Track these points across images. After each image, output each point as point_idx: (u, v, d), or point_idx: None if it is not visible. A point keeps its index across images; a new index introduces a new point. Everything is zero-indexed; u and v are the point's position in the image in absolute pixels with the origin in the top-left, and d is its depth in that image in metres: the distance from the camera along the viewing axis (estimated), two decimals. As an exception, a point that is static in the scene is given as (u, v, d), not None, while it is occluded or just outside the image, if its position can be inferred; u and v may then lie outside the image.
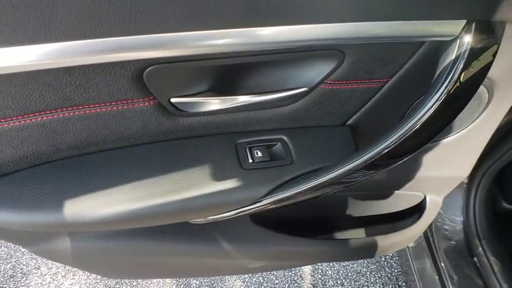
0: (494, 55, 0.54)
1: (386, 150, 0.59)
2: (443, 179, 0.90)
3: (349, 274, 1.62)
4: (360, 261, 1.66)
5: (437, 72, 0.56)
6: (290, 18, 0.48)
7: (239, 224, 0.80)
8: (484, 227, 1.16)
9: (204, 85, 0.61)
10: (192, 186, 0.62)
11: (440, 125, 0.59)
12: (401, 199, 0.98)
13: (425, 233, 1.27)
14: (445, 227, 1.24)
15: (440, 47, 0.57)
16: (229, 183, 0.63)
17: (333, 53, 0.59)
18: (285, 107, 0.67)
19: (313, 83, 0.63)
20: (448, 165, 0.86)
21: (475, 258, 1.14)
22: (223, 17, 0.46)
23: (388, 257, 1.67)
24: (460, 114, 0.61)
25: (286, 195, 0.65)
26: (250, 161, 0.66)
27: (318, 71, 0.62)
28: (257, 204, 0.64)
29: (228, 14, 0.45)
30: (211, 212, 0.66)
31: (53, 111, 0.55)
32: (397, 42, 0.56)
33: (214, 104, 0.62)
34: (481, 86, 0.65)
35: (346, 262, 1.66)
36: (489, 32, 0.53)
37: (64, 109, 0.55)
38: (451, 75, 0.54)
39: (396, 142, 0.58)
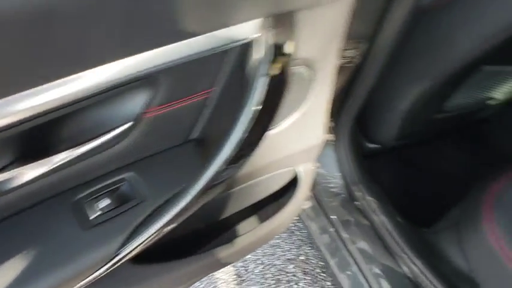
0: (293, 42, 0.58)
1: (228, 156, 0.59)
2: (303, 151, 0.95)
3: (266, 250, 1.68)
4: (272, 235, 1.74)
5: (250, 73, 0.58)
6: (86, 63, 0.43)
7: (120, 271, 0.75)
8: (358, 172, 1.27)
9: (9, 156, 0.54)
10: (34, 269, 0.55)
11: (268, 118, 0.62)
12: (277, 179, 1.02)
13: (316, 198, 1.35)
14: (331, 185, 1.34)
15: (246, 49, 0.58)
16: (72, 251, 0.58)
17: (147, 81, 0.56)
18: (117, 146, 0.63)
19: (136, 116, 0.60)
20: (302, 139, 0.91)
21: (357, 202, 1.26)
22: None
23: (295, 221, 1.77)
24: (294, 94, 0.65)
25: (149, 234, 0.62)
26: (92, 216, 0.61)
27: (137, 103, 0.59)
28: (116, 259, 0.60)
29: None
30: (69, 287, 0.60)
31: None
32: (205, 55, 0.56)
33: (28, 173, 0.55)
34: (301, 67, 0.69)
35: (259, 241, 1.72)
36: (284, 24, 0.56)
37: None
38: (262, 72, 0.56)
39: (237, 145, 0.59)
